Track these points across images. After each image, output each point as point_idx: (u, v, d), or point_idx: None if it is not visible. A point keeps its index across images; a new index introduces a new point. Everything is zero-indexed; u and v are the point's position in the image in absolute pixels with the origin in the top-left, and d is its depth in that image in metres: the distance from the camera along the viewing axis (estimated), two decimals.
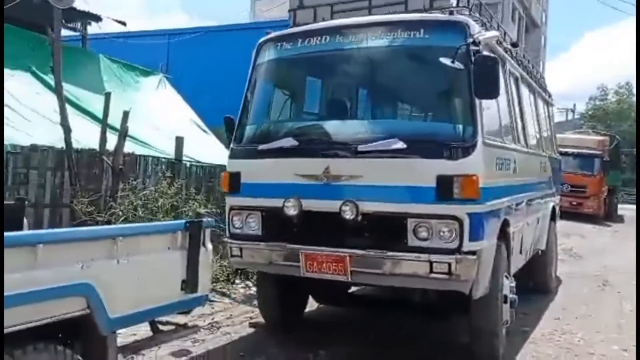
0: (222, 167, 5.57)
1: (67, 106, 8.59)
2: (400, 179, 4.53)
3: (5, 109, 7.85)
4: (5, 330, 2.35)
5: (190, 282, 3.40)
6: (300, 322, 6.04)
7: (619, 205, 24.00)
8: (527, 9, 40.43)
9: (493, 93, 4.52)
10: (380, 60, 5.14)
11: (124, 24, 10.95)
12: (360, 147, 4.64)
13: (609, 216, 21.36)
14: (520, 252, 6.09)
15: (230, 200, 5.26)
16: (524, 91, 6.95)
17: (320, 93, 5.86)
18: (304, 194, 4.76)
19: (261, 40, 5.58)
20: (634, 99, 36.29)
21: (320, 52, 5.16)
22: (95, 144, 7.50)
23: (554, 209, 8.27)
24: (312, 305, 6.36)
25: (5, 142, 6.78)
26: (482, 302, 4.68)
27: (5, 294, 2.34)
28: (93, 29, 11.59)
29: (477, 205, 4.43)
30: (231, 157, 5.37)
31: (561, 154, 18.16)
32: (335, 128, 5.06)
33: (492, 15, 6.31)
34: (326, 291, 5.85)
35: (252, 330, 5.88)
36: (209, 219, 3.68)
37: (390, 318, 6.12)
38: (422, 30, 4.83)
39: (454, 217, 4.38)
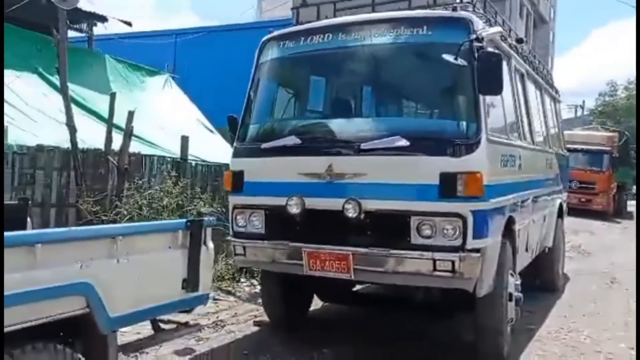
0: (228, 166, 5.59)
1: (73, 106, 8.64)
2: (403, 176, 4.51)
3: (12, 110, 7.91)
4: (5, 330, 2.36)
5: (191, 281, 3.40)
6: (305, 321, 6.03)
7: (629, 202, 23.80)
8: (535, 5, 40.22)
9: (497, 89, 4.49)
10: (383, 57, 5.12)
11: (129, 24, 10.97)
12: (364, 145, 4.62)
13: (619, 213, 21.21)
14: (526, 250, 6.05)
15: (234, 199, 5.26)
16: (530, 87, 6.90)
17: (323, 91, 5.84)
18: (307, 192, 4.75)
19: (264, 39, 5.58)
20: None
21: (323, 50, 5.14)
22: (101, 144, 7.53)
23: (561, 206, 8.21)
24: (316, 303, 6.35)
25: (12, 142, 6.83)
26: (486, 300, 4.65)
27: (5, 293, 2.35)
28: (99, 29, 11.62)
29: (481, 203, 4.40)
30: (234, 155, 5.36)
31: (570, 150, 18.10)
32: (338, 126, 5.05)
33: (496, 11, 6.27)
34: (330, 290, 5.84)
35: (256, 328, 5.88)
36: (210, 218, 3.68)
37: (394, 316, 6.09)
38: (425, 27, 4.80)
39: (457, 215, 4.35)
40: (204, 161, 8.99)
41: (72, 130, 7.12)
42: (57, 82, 8.04)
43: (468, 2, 5.35)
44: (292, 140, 4.95)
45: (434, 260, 4.34)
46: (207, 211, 7.46)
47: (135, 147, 8.25)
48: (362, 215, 4.54)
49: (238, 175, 5.21)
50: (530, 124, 6.37)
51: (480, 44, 4.54)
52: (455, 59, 4.52)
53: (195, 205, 7.26)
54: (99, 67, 10.57)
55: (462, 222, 4.33)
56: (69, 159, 7.10)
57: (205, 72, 15.28)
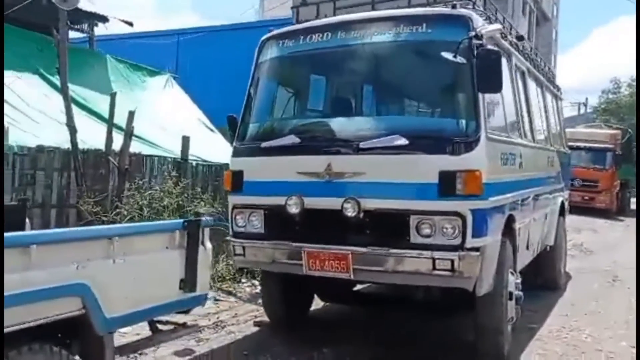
0: (228, 166, 5.59)
1: (75, 107, 8.64)
2: (402, 175, 4.49)
3: (13, 111, 7.91)
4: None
5: (188, 282, 3.39)
6: (306, 321, 6.03)
7: (632, 200, 23.72)
8: (538, 3, 40.10)
9: (496, 87, 4.47)
10: (382, 56, 5.10)
11: (130, 24, 10.97)
12: (362, 144, 4.61)
13: (622, 210, 21.14)
14: (527, 248, 6.03)
15: (233, 199, 5.25)
16: (531, 85, 6.88)
17: (322, 90, 5.83)
18: (306, 191, 4.74)
19: (263, 37, 5.57)
20: None
21: (322, 48, 5.13)
22: (102, 145, 7.53)
23: (562, 204, 8.18)
24: (317, 303, 6.34)
25: (12, 143, 6.83)
26: (486, 299, 4.63)
27: None
28: (101, 30, 11.62)
29: (480, 201, 4.38)
30: (234, 155, 5.36)
31: (572, 148, 18.09)
32: (337, 125, 5.04)
33: (497, 8, 6.25)
34: (331, 289, 5.83)
35: (256, 329, 5.87)
36: (208, 218, 3.67)
37: (395, 316, 6.09)
38: (424, 25, 4.79)
39: (456, 214, 4.33)
40: (204, 161, 8.99)
41: (73, 130, 7.12)
42: (58, 83, 8.04)
43: (468, 0, 5.33)
44: (291, 139, 4.94)
45: (434, 259, 4.32)
46: (208, 211, 7.49)
47: (136, 147, 8.25)
48: (361, 215, 4.52)
49: (237, 175, 5.20)
50: (531, 122, 6.35)
51: (479, 42, 4.52)
52: (455, 56, 4.50)
53: (196, 206, 7.25)
54: (100, 67, 10.57)
55: (461, 220, 4.31)
56: (69, 160, 7.10)
57: (207, 71, 15.29)
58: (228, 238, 5.30)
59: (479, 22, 4.76)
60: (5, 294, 2.37)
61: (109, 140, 7.49)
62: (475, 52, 4.44)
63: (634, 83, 40.69)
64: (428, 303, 5.57)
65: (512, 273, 5.03)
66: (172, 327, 3.60)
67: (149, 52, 14.78)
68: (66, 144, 7.18)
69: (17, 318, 2.44)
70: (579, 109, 41.04)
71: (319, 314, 6.35)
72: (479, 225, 4.36)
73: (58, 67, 7.40)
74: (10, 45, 8.12)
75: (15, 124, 7.50)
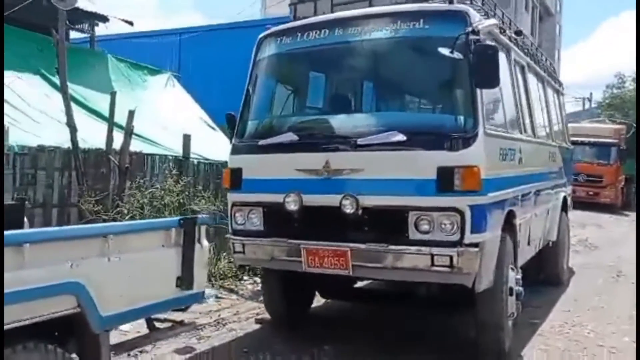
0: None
1: (76, 106, 8.67)
2: (400, 171, 4.48)
3: (14, 111, 7.93)
4: None
5: (185, 279, 3.39)
6: (307, 318, 6.02)
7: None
8: None
9: (493, 82, 4.44)
10: (379, 52, 5.09)
11: (131, 23, 10.97)
12: (360, 141, 4.60)
13: (627, 205, 21.03)
14: (529, 244, 6.00)
15: (232, 197, 5.25)
16: (532, 80, 6.85)
17: (320, 87, 5.82)
18: (304, 188, 4.73)
19: (261, 35, 5.56)
20: None
21: (319, 45, 5.11)
22: (103, 144, 7.53)
23: (565, 199, 8.15)
24: (318, 300, 6.34)
25: (13, 143, 6.85)
26: (486, 294, 4.61)
27: None
28: (101, 29, 11.65)
29: (478, 197, 4.36)
30: (232, 153, 5.35)
31: (577, 143, 18.07)
32: (335, 122, 5.03)
33: (495, 3, 6.21)
34: (331, 286, 5.83)
35: (258, 326, 5.87)
36: (204, 216, 3.67)
37: (397, 312, 6.08)
38: (421, 21, 4.77)
39: (455, 209, 4.31)
40: (206, 159, 8.99)
41: (73, 130, 7.13)
42: (59, 83, 8.05)
43: None
44: (289, 136, 4.93)
45: (432, 256, 4.31)
46: (209, 209, 7.50)
47: (137, 146, 8.26)
48: (360, 211, 4.51)
49: (236, 173, 5.20)
50: (531, 117, 6.32)
51: (476, 37, 4.49)
52: (451, 52, 4.48)
53: (197, 204, 7.25)
54: (101, 66, 10.58)
55: (460, 216, 4.30)
56: (70, 159, 7.11)
57: (209, 70, 15.28)
58: (227, 236, 5.30)
59: (476, 17, 4.73)
60: None
61: (110, 139, 7.50)
62: (472, 48, 4.42)
63: None
64: (429, 299, 5.56)
65: (512, 269, 5.01)
66: (169, 324, 3.59)
67: (152, 52, 14.80)
68: (67, 144, 7.18)
69: (10, 316, 2.43)
70: (583, 104, 40.85)
71: (320, 311, 6.35)
72: (477, 221, 4.34)
73: (57, 67, 7.39)
74: (10, 46, 8.14)
75: (16, 124, 7.52)
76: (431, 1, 5.36)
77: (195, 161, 8.74)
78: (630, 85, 40.53)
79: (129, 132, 7.45)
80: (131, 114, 7.47)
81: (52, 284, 2.63)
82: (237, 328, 5.77)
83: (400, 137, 4.49)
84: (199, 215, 3.64)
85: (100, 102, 9.37)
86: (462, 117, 4.54)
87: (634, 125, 22.99)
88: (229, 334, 5.60)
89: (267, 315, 5.92)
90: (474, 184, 4.33)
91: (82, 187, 7.06)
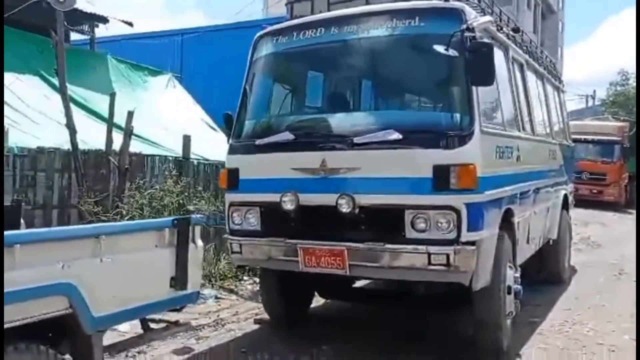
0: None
1: (76, 108, 8.69)
2: (396, 170, 4.47)
3: (14, 112, 7.95)
4: None
5: (179, 280, 3.38)
6: (306, 318, 6.02)
7: None
8: None
9: (488, 80, 4.42)
10: (375, 50, 5.07)
11: (130, 24, 10.99)
12: (356, 139, 4.59)
13: (631, 203, 20.89)
14: (528, 242, 5.98)
15: (229, 197, 5.25)
16: (530, 78, 6.82)
17: (316, 86, 5.82)
18: (301, 188, 4.72)
19: (257, 35, 5.56)
20: None
21: (315, 44, 5.11)
22: (103, 145, 7.55)
23: (566, 197, 8.11)
24: (318, 300, 6.33)
25: (13, 144, 6.87)
26: (484, 293, 4.60)
27: None
28: (101, 31, 11.66)
29: (475, 195, 4.35)
30: (229, 153, 5.35)
31: (580, 141, 17.99)
32: (331, 121, 5.03)
33: (493, 0, 6.19)
34: (330, 286, 5.82)
35: (256, 326, 5.87)
36: (198, 216, 3.66)
37: (396, 311, 6.07)
38: (417, 18, 4.75)
39: (451, 208, 4.30)
40: (206, 160, 8.99)
41: (72, 131, 7.14)
42: (58, 84, 8.06)
43: None
44: (285, 136, 4.93)
45: (429, 254, 4.30)
46: (210, 210, 7.50)
47: (138, 147, 8.28)
48: (357, 210, 4.50)
49: (233, 173, 5.19)
50: (530, 115, 6.29)
51: (472, 34, 4.47)
52: (447, 49, 4.47)
53: (196, 204, 7.26)
54: (101, 67, 10.60)
55: (456, 215, 4.28)
56: (69, 161, 7.13)
57: (211, 70, 15.27)
58: (225, 236, 5.30)
59: (471, 14, 4.72)
60: None
61: (109, 140, 7.51)
62: (468, 45, 4.40)
63: None
64: (428, 298, 5.54)
65: (510, 267, 4.99)
66: (164, 325, 3.59)
67: (154, 52, 14.80)
68: (67, 145, 7.20)
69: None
70: (586, 102, 40.66)
71: (319, 311, 6.34)
72: (474, 219, 4.33)
73: (56, 69, 7.40)
74: (10, 47, 8.16)
75: (16, 125, 7.54)
76: None
77: (196, 162, 8.75)
78: (634, 83, 40.27)
79: (128, 133, 7.46)
80: (130, 114, 7.48)
81: (43, 284, 2.63)
82: (235, 328, 5.77)
83: (396, 136, 4.48)
84: (193, 216, 3.61)
85: (101, 103, 9.39)
86: (458, 115, 4.52)
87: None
88: (228, 334, 5.60)
89: (266, 316, 5.92)
90: (470, 182, 4.31)
91: (82, 189, 7.07)
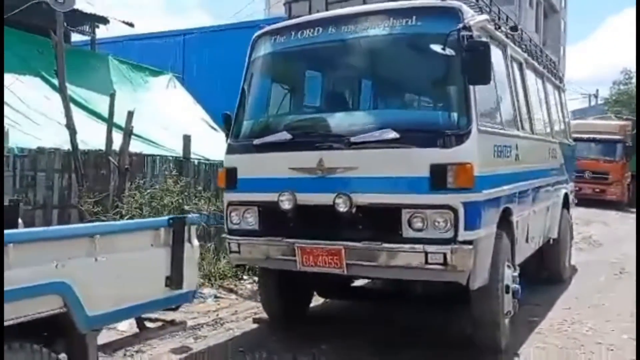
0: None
1: (77, 108, 8.72)
2: (394, 169, 4.47)
3: (14, 113, 7.98)
4: None
5: (174, 279, 3.38)
6: (305, 317, 6.02)
7: None
8: None
9: (485, 79, 4.41)
10: (373, 50, 5.08)
11: (131, 25, 11.02)
12: (353, 139, 4.59)
13: (634, 202, 20.87)
14: (527, 241, 5.97)
15: (228, 196, 5.26)
16: (530, 76, 6.82)
17: (314, 85, 5.83)
18: (298, 187, 4.73)
19: (255, 34, 5.57)
20: None
21: (312, 44, 5.11)
22: (104, 145, 7.57)
23: (566, 196, 8.09)
24: (317, 300, 6.34)
25: (13, 145, 6.89)
26: (482, 292, 4.60)
27: None
28: (102, 31, 11.68)
29: (472, 194, 4.35)
30: (228, 152, 5.36)
31: (582, 140, 17.93)
32: (329, 120, 5.04)
33: None
34: (329, 285, 5.82)
35: (255, 326, 5.87)
36: (194, 215, 3.67)
37: (395, 310, 6.06)
38: (414, 18, 4.75)
39: (448, 207, 4.30)
40: (207, 160, 9.01)
41: (72, 132, 7.16)
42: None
43: None
44: (283, 135, 4.93)
45: (426, 253, 4.30)
46: (210, 209, 7.52)
47: (138, 147, 8.30)
48: (354, 210, 4.51)
49: (231, 172, 5.20)
50: (529, 114, 6.28)
51: (468, 33, 4.47)
52: (444, 49, 4.47)
53: (196, 204, 7.27)
54: (102, 68, 10.63)
55: (453, 214, 4.28)
56: (69, 161, 7.16)
57: (213, 70, 15.27)
58: (223, 235, 5.31)
59: (469, 13, 4.71)
60: None
61: (109, 140, 7.53)
62: (464, 44, 4.40)
63: None
64: (427, 297, 5.54)
65: (509, 266, 4.99)
66: (160, 324, 3.59)
67: (156, 53, 14.81)
68: (67, 145, 7.23)
69: None
70: (589, 101, 40.59)
71: (318, 310, 6.34)
72: (471, 218, 4.33)
73: (56, 69, 7.42)
74: (11, 48, 8.20)
75: (16, 126, 7.57)
76: None
77: (196, 161, 8.77)
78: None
79: (128, 133, 7.48)
80: (130, 114, 7.49)
81: (37, 284, 2.64)
82: (234, 327, 5.77)
83: (394, 135, 4.48)
84: (189, 215, 3.61)
85: (102, 103, 9.40)
86: (455, 114, 4.53)
87: None
88: (226, 333, 5.60)
89: (265, 315, 5.92)
90: (467, 181, 4.31)
91: (82, 189, 7.09)
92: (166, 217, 3.58)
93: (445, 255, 4.26)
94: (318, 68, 5.79)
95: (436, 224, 4.33)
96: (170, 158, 8.40)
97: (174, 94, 11.73)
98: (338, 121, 4.96)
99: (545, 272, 7.68)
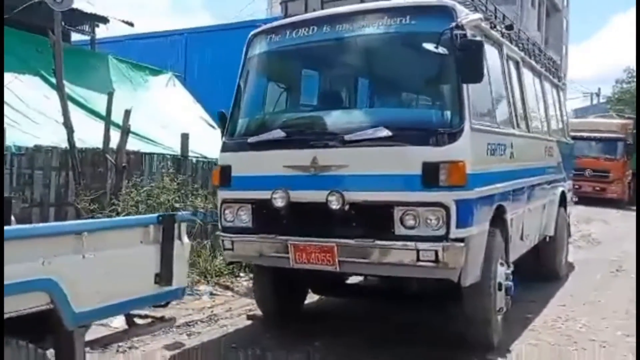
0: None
1: (77, 108, 8.74)
2: (386, 167, 4.49)
3: (13, 112, 7.99)
4: None
5: (164, 276, 3.39)
6: (299, 314, 6.03)
7: None
8: None
9: (478, 77, 4.42)
10: (367, 49, 5.10)
11: (131, 24, 11.02)
12: (347, 137, 4.61)
13: (635, 201, 20.84)
14: (522, 239, 5.98)
15: (222, 194, 5.28)
16: (527, 75, 6.82)
17: (308, 84, 5.85)
18: (292, 185, 4.75)
19: (251, 33, 5.59)
20: None
21: (306, 43, 5.13)
22: (101, 144, 7.58)
23: (563, 194, 8.09)
24: (312, 297, 6.35)
25: (11, 143, 6.91)
26: (474, 289, 4.62)
27: None
28: (102, 30, 11.69)
29: (464, 192, 4.36)
30: (222, 150, 5.38)
31: (583, 138, 17.89)
32: (323, 118, 5.05)
33: None
34: (323, 282, 5.84)
35: (249, 322, 5.89)
36: (184, 213, 3.68)
37: (389, 307, 6.07)
38: (408, 17, 4.77)
39: (440, 204, 4.32)
40: (205, 158, 9.02)
41: (70, 130, 7.18)
42: None
43: None
44: (277, 133, 4.95)
45: (418, 251, 4.32)
46: (206, 207, 7.54)
47: (137, 145, 8.32)
48: (346, 207, 4.52)
49: (226, 170, 5.22)
50: (525, 112, 6.29)
51: (462, 32, 4.48)
52: (437, 47, 4.48)
53: (192, 202, 7.29)
54: (102, 67, 10.63)
55: (445, 211, 4.30)
56: (67, 159, 7.18)
57: (215, 69, 15.27)
58: (217, 232, 5.33)
59: (463, 12, 4.72)
60: None
61: (107, 138, 7.55)
62: (457, 43, 4.41)
63: None
64: (421, 294, 5.54)
65: (502, 264, 5.00)
66: (149, 320, 3.61)
67: (158, 52, 14.82)
68: (65, 144, 7.24)
69: None
70: (591, 100, 40.55)
71: (313, 308, 6.36)
72: (463, 216, 4.34)
73: (54, 68, 7.45)
74: (10, 47, 8.21)
75: (15, 125, 7.59)
76: None
77: (194, 159, 8.79)
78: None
79: (125, 131, 7.50)
80: (127, 113, 7.51)
81: (23, 280, 2.65)
82: (228, 324, 5.78)
83: (387, 133, 4.50)
84: (179, 212, 3.63)
85: (101, 102, 9.37)
86: (447, 112, 4.55)
87: None
88: (220, 330, 5.62)
89: (259, 312, 5.94)
90: (459, 178, 4.32)
91: (79, 186, 7.11)
92: (156, 214, 3.59)
93: (436, 252, 4.27)
94: (312, 66, 5.81)
95: (428, 221, 4.34)
96: (168, 156, 8.41)
97: (174, 92, 11.74)
98: (332, 119, 4.97)
99: (542, 270, 7.67)
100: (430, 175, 4.34)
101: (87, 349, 3.12)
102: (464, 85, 4.47)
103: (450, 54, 4.48)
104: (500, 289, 4.87)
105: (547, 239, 7.35)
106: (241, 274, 7.51)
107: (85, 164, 7.36)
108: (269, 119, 5.40)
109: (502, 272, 4.94)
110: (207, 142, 9.71)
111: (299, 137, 4.90)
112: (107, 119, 7.74)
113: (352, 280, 6.32)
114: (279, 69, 5.74)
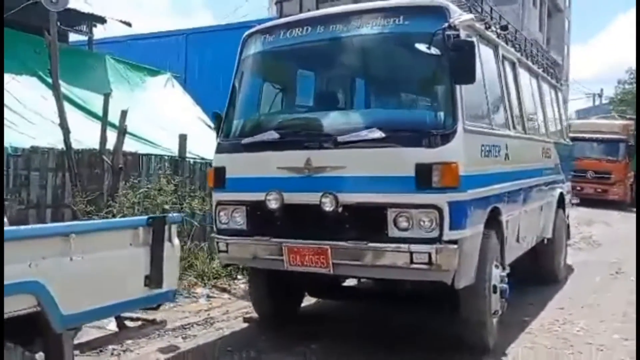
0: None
1: (74, 108, 8.73)
2: (379, 168, 4.46)
3: (10, 113, 7.98)
4: None
5: (154, 278, 3.38)
6: (296, 316, 6.01)
7: None
8: None
9: (470, 78, 4.39)
10: (361, 49, 5.07)
11: (128, 24, 11.00)
12: (340, 138, 4.59)
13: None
14: (518, 241, 5.94)
15: (217, 196, 5.26)
16: (524, 76, 6.80)
17: (302, 85, 5.83)
18: (285, 187, 4.73)
19: (245, 33, 5.58)
20: None
21: (300, 43, 5.11)
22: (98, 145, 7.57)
23: (561, 195, 8.05)
24: (310, 299, 6.33)
25: (7, 145, 6.90)
26: (468, 292, 4.60)
27: None
28: (99, 31, 11.68)
29: (457, 194, 4.34)
30: (217, 151, 5.37)
31: (584, 140, 17.83)
32: (316, 120, 5.02)
33: None
34: (319, 285, 5.82)
35: (245, 325, 5.86)
36: (175, 214, 3.66)
37: (385, 310, 6.05)
38: (401, 17, 4.75)
39: (433, 206, 4.29)
40: (202, 159, 9.00)
41: (66, 131, 7.17)
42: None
43: None
44: (271, 135, 4.93)
45: (411, 253, 4.30)
46: (203, 208, 7.53)
47: (134, 146, 8.29)
48: (340, 209, 4.51)
49: (220, 172, 5.21)
50: (521, 113, 6.26)
51: (455, 32, 4.45)
52: (429, 48, 4.46)
53: (189, 203, 7.27)
54: (100, 68, 10.62)
55: (438, 213, 4.27)
56: (63, 160, 7.16)
57: (215, 69, 15.25)
58: (212, 235, 5.31)
59: (456, 12, 4.70)
60: None
61: (103, 139, 7.54)
62: (450, 43, 4.39)
63: None
64: (417, 296, 5.52)
65: (497, 266, 4.97)
66: (140, 323, 3.60)
67: (158, 53, 14.82)
68: (61, 144, 7.22)
69: None
70: (593, 100, 40.45)
71: (310, 310, 6.34)
72: (456, 218, 4.31)
73: (49, 69, 7.44)
74: (7, 48, 8.19)
75: (12, 126, 7.58)
76: None
77: (192, 161, 8.77)
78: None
79: (122, 132, 7.48)
80: (124, 113, 7.49)
81: (10, 283, 2.63)
82: (224, 327, 5.76)
83: (379, 134, 4.48)
84: (169, 214, 3.61)
85: (99, 103, 9.34)
86: (441, 114, 4.52)
87: None
88: (216, 332, 5.60)
89: (255, 314, 5.91)
90: (452, 180, 4.30)
91: (75, 188, 7.10)
92: (145, 217, 3.57)
93: (430, 254, 4.25)
94: (307, 67, 5.79)
95: (421, 223, 4.32)
96: (166, 157, 8.39)
97: (172, 93, 11.72)
98: (325, 121, 4.94)
99: (540, 272, 7.64)
100: (423, 177, 4.32)
101: (77, 352, 3.09)
102: (457, 86, 4.45)
103: (443, 55, 4.46)
104: (495, 292, 4.84)
105: (545, 241, 7.32)
106: (239, 277, 7.49)
107: (82, 165, 7.34)
108: (263, 120, 5.39)
109: (497, 275, 4.92)
110: (206, 143, 9.67)
111: (293, 138, 4.88)
112: (103, 120, 7.73)
113: (349, 282, 6.29)
114: (273, 70, 5.73)
